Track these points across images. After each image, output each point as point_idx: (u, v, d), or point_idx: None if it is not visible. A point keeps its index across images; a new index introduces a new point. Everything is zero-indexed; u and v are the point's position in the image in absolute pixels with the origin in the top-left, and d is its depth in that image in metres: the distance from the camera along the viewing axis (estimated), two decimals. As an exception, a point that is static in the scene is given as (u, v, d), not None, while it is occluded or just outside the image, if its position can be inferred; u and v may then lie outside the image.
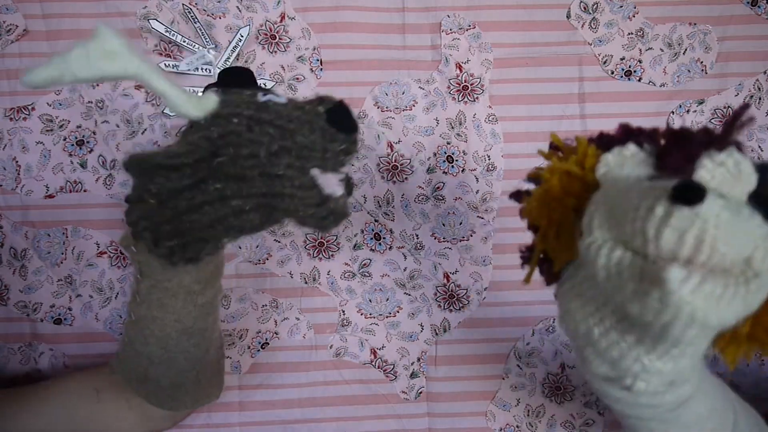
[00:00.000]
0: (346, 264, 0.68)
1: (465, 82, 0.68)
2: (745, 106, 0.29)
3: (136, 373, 0.50)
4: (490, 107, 0.68)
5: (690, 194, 0.25)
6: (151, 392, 0.51)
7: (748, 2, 0.68)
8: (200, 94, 0.41)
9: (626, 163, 0.32)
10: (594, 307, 0.32)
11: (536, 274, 0.39)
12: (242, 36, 0.65)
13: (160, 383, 0.50)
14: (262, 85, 0.43)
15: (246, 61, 0.66)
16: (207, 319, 0.48)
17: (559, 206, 0.35)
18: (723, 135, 0.29)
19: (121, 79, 0.36)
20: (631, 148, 0.32)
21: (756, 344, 0.30)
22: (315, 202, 0.40)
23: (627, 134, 0.34)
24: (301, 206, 0.39)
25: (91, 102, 0.65)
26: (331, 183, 0.41)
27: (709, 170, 0.29)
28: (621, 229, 0.28)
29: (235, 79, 0.43)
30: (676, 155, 0.29)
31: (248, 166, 0.38)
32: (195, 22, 0.64)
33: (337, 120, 0.40)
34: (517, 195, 0.39)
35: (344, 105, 0.41)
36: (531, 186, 0.38)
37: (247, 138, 0.38)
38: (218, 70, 0.45)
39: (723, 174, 0.28)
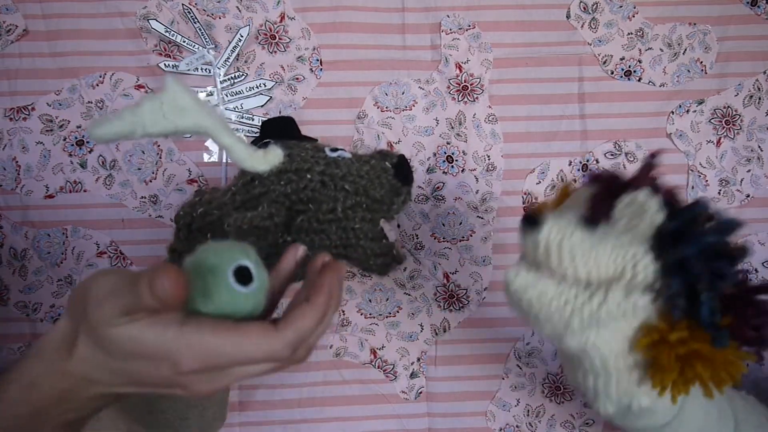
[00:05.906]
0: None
1: (465, 82, 0.68)
2: (656, 153, 0.35)
3: (142, 405, 0.50)
4: (490, 107, 0.68)
5: (532, 221, 0.32)
6: (155, 424, 0.50)
7: (748, 2, 0.68)
8: (247, 140, 0.42)
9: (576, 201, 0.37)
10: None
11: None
12: (242, 36, 0.65)
13: (166, 416, 0.50)
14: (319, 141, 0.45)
15: (246, 61, 0.66)
16: None
17: None
18: (638, 178, 0.35)
19: (190, 133, 0.36)
20: (582, 190, 0.38)
21: (690, 380, 0.33)
22: (383, 252, 0.42)
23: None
24: (372, 256, 0.42)
25: (91, 102, 0.65)
26: (389, 231, 0.43)
27: (622, 205, 0.34)
28: None
29: (282, 130, 0.45)
30: (597, 198, 0.35)
31: (326, 221, 0.41)
32: (195, 22, 0.64)
33: (401, 174, 0.42)
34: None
35: (405, 158, 0.44)
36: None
37: (324, 194, 0.40)
38: (261, 121, 0.48)
39: (632, 210, 0.33)
